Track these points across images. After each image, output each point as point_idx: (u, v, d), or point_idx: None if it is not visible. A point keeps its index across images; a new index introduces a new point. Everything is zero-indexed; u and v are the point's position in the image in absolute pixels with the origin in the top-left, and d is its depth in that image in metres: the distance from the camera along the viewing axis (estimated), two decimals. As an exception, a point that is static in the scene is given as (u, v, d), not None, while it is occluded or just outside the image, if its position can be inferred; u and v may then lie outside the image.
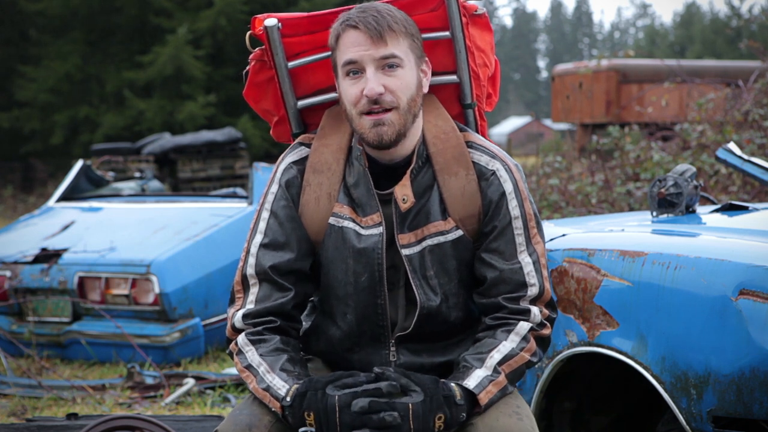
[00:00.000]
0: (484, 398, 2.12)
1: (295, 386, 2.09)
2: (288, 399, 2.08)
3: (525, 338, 2.21)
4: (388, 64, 2.18)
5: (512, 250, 2.25)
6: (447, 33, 2.34)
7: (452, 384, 2.10)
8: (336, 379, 2.09)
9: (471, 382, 2.12)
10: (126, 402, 4.97)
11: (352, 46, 2.18)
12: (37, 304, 5.94)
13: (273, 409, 2.12)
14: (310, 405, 2.05)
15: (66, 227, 6.49)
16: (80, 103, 19.77)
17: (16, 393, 5.12)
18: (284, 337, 2.23)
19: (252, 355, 2.19)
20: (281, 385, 2.11)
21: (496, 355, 2.17)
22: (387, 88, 2.17)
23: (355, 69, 2.18)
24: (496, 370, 2.15)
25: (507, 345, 2.19)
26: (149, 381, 5.29)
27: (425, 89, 2.27)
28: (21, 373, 5.49)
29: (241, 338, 2.22)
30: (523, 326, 2.22)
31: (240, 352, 2.21)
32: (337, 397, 2.04)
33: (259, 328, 2.22)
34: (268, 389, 2.12)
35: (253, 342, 2.21)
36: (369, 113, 2.18)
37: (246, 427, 2.11)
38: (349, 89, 2.20)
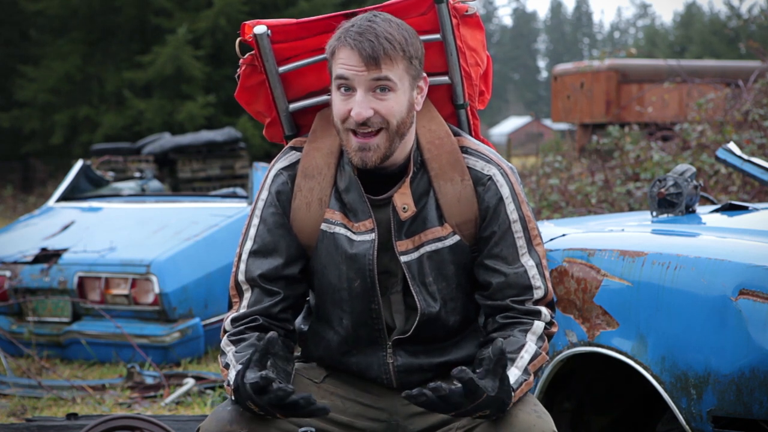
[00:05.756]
0: (515, 398, 2.10)
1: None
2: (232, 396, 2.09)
3: (541, 337, 2.22)
4: (380, 87, 2.16)
5: (514, 253, 2.24)
6: (438, 36, 2.32)
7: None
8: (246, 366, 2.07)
9: (510, 379, 2.10)
10: (126, 402, 4.96)
11: (345, 63, 2.16)
12: (37, 304, 5.93)
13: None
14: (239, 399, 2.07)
15: (66, 227, 6.48)
16: (80, 103, 19.76)
17: (16, 393, 5.11)
18: (262, 334, 2.23)
19: (230, 354, 2.20)
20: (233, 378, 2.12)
21: (525, 356, 2.16)
22: (377, 111, 2.16)
23: (347, 85, 2.17)
24: (526, 371, 2.15)
25: (532, 346, 2.18)
26: (149, 381, 5.28)
27: (419, 107, 2.26)
28: (21, 373, 5.48)
29: (224, 339, 2.25)
30: (539, 325, 2.22)
31: (222, 352, 2.24)
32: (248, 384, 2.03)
33: (242, 327, 2.24)
34: (229, 384, 2.14)
35: (233, 342, 2.23)
36: (356, 133, 2.17)
37: (227, 423, 2.11)
38: (339, 104, 2.19)
